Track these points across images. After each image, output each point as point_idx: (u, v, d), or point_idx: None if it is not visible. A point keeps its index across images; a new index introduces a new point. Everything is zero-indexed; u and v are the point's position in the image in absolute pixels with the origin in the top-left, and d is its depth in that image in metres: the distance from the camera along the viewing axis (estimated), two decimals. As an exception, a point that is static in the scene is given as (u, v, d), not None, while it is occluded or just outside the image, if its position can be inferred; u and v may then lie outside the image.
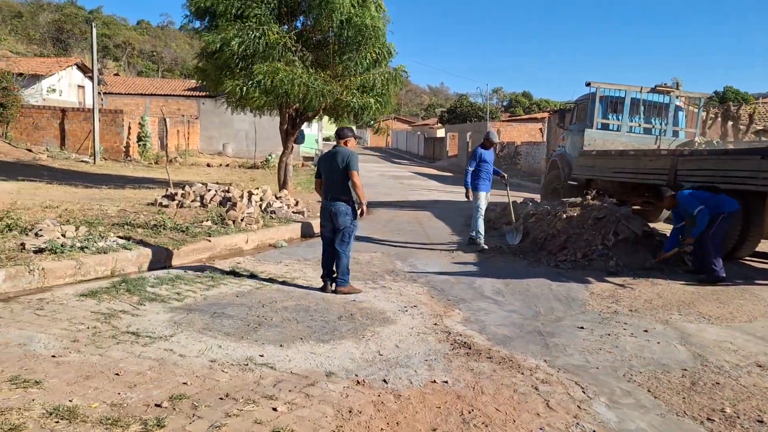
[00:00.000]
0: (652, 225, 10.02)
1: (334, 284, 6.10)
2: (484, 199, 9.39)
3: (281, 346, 4.37)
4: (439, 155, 45.52)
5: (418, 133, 58.27)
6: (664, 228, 11.00)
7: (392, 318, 5.31)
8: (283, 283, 6.38)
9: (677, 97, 13.06)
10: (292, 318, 5.09)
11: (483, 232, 9.25)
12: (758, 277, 7.49)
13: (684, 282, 7.09)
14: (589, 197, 9.70)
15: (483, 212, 9.33)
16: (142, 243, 6.97)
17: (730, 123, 16.61)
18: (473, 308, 5.83)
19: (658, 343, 4.86)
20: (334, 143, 6.19)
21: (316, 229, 8.87)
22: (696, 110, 13.98)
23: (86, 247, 6.29)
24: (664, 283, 7.03)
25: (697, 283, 7.01)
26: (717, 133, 16.99)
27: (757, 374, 4.16)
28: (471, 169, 9.32)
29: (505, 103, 74.40)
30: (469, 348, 4.61)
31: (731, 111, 16.93)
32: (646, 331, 5.17)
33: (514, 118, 49.91)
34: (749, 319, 5.55)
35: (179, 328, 4.60)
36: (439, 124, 55.99)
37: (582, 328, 5.25)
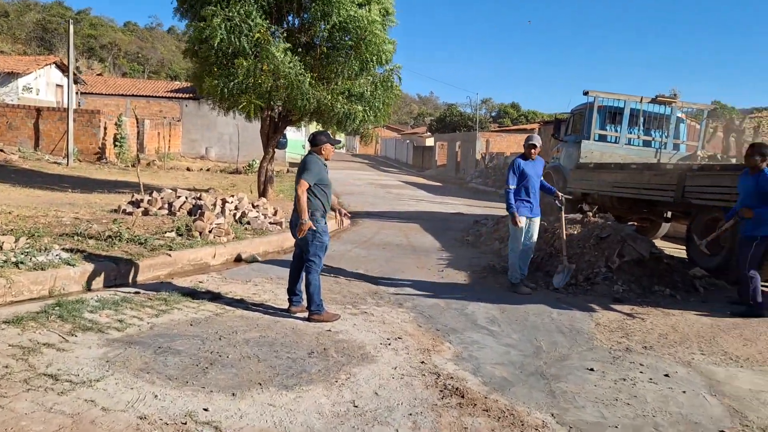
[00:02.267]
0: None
1: (308, 311, 5.32)
2: (524, 225, 7.08)
3: (233, 395, 3.57)
4: (428, 164, 44.90)
5: (407, 141, 57.65)
6: (662, 246, 10.33)
7: (372, 354, 4.53)
8: (250, 307, 5.58)
9: (679, 108, 12.46)
10: (252, 355, 4.29)
11: (523, 271, 7.15)
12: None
13: (699, 312, 6.36)
14: (590, 214, 9.01)
15: (522, 242, 7.09)
16: (91, 257, 6.14)
17: (732, 136, 16.05)
18: (466, 341, 5.07)
19: (684, 392, 4.11)
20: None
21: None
22: (696, 122, 13.41)
23: (22, 262, 5.46)
24: (678, 313, 6.30)
25: (723, 315, 6.25)
26: (718, 146, 16.42)
27: (814, 441, 3.43)
28: (513, 187, 7.03)
29: (493, 114, 73.96)
30: (462, 396, 3.84)
31: (734, 124, 16.38)
32: (667, 375, 4.43)
33: (503, 128, 49.43)
34: (785, 363, 4.83)
35: (110, 369, 3.78)
36: (429, 133, 55.43)
37: (592, 369, 4.50)
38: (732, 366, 4.70)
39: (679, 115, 12.49)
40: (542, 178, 7.36)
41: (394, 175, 36.90)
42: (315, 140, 5.35)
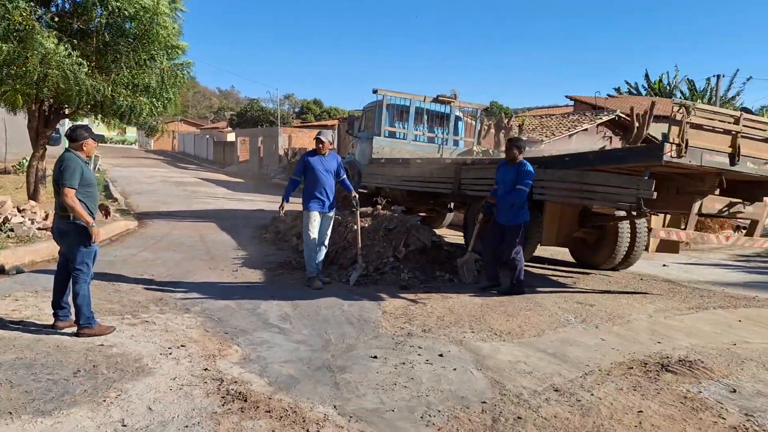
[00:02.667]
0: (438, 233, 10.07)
1: (77, 325, 4.82)
2: (316, 221, 7.23)
3: (-27, 431, 3.12)
4: (230, 160, 43.67)
5: (207, 136, 55.40)
6: (445, 234, 11.23)
7: (150, 366, 4.25)
8: (7, 325, 4.91)
9: (457, 108, 13.55)
10: (5, 380, 3.77)
11: (317, 265, 7.29)
12: (537, 283, 7.72)
13: (473, 294, 7.00)
14: (379, 207, 9.43)
15: (315, 237, 7.24)
16: None
17: (502, 133, 17.95)
18: (255, 341, 4.99)
19: (455, 369, 4.48)
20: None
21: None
22: (473, 120, 14.68)
23: None
24: (455, 296, 6.86)
25: (491, 295, 6.94)
26: (491, 143, 18.24)
27: (556, 401, 3.92)
28: (295, 178, 7.39)
29: (296, 110, 74.15)
30: (245, 400, 3.76)
31: (503, 122, 18.34)
32: (441, 355, 4.79)
33: (305, 124, 49.82)
34: (538, 333, 5.48)
35: None
36: (230, 128, 53.94)
37: (375, 357, 4.70)
38: (496, 341, 5.23)
39: (458, 113, 13.59)
40: (345, 176, 7.54)
41: (192, 171, 35.26)
42: (74, 135, 4.83)
